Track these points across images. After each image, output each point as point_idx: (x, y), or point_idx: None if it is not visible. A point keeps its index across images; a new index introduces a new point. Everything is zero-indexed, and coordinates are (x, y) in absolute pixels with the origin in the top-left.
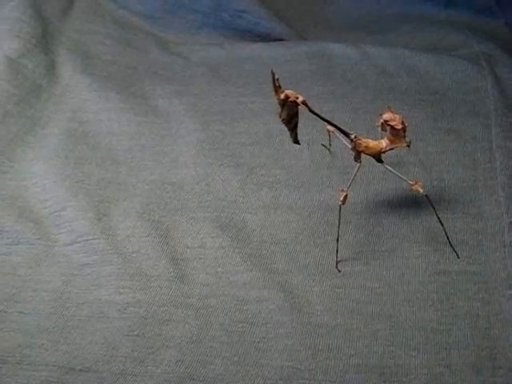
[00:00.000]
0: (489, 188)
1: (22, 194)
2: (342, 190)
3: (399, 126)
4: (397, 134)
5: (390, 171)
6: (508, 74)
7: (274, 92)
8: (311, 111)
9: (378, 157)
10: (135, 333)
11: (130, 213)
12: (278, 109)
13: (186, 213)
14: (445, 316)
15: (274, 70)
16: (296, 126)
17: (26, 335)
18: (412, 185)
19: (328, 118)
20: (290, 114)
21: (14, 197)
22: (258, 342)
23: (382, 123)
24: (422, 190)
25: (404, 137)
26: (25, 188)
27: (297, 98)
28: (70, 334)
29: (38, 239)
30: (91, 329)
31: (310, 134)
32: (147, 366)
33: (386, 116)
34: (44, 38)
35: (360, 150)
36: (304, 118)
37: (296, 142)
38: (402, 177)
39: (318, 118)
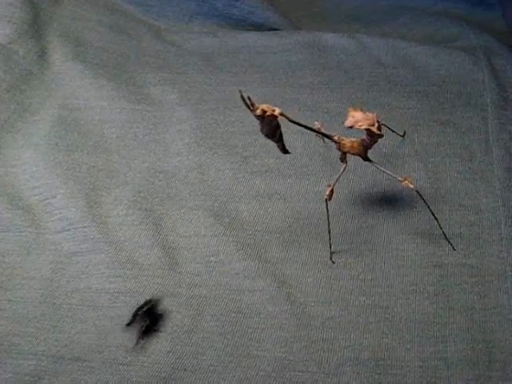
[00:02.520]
0: (485, 180)
1: (12, 181)
2: (329, 185)
3: (375, 130)
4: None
5: (378, 168)
6: (505, 66)
7: (249, 111)
8: (291, 121)
9: (364, 156)
10: (125, 321)
11: (122, 201)
12: (258, 125)
13: (178, 201)
14: (441, 309)
15: (241, 92)
16: (281, 136)
17: (14, 323)
18: (401, 181)
19: (309, 125)
20: (272, 128)
21: (4, 184)
22: (251, 333)
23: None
24: (412, 186)
25: (381, 135)
26: (14, 175)
27: (273, 111)
28: (59, 323)
29: (28, 227)
30: (81, 317)
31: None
32: (138, 355)
33: (357, 116)
34: (36, 24)
35: (345, 150)
36: (298, 110)
37: (285, 151)
38: (391, 173)
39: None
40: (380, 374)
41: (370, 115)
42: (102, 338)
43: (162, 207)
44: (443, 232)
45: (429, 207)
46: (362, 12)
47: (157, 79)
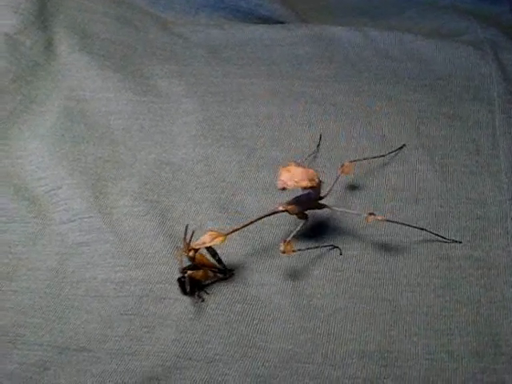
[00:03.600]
0: (492, 174)
1: (18, 172)
2: (284, 241)
3: (314, 183)
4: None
5: (337, 210)
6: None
7: (182, 250)
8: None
9: (317, 207)
10: (131, 311)
11: (127, 192)
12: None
13: (184, 193)
14: (447, 301)
15: (186, 227)
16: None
17: (20, 314)
18: (366, 217)
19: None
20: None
21: (10, 175)
22: (257, 324)
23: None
24: (380, 218)
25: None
26: (20, 166)
27: (204, 243)
28: (65, 314)
29: (34, 217)
30: (87, 308)
31: (311, 117)
32: (143, 345)
33: (291, 175)
34: (42, 15)
35: (296, 213)
36: (305, 103)
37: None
38: (353, 211)
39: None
40: (386, 366)
41: (300, 171)
42: (107, 328)
43: (168, 199)
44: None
45: (405, 224)
46: (369, 6)
47: (163, 71)
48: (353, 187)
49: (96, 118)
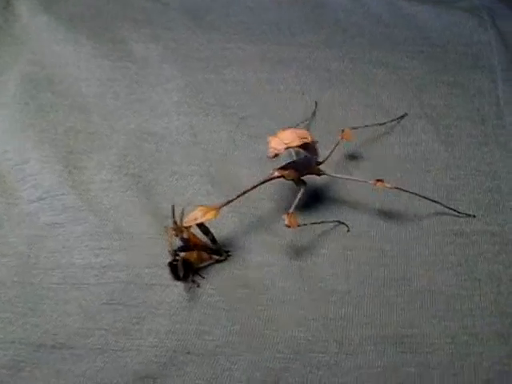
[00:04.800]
0: (500, 145)
1: None
2: (287, 214)
3: (307, 140)
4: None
5: (341, 178)
6: (510, 27)
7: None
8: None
9: (315, 172)
10: (116, 300)
11: (105, 165)
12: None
13: (170, 166)
14: (465, 280)
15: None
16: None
17: None
18: (374, 184)
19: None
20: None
21: None
22: (262, 311)
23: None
24: (389, 185)
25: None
26: None
27: (195, 219)
28: (39, 306)
29: None
30: (64, 298)
31: (304, 84)
32: (133, 338)
33: (282, 138)
34: None
35: (291, 178)
36: (297, 69)
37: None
38: (359, 179)
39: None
40: (406, 352)
41: (288, 132)
42: (89, 321)
43: (152, 173)
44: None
45: (417, 194)
46: None
47: (140, 36)
48: (353, 157)
49: (65, 85)
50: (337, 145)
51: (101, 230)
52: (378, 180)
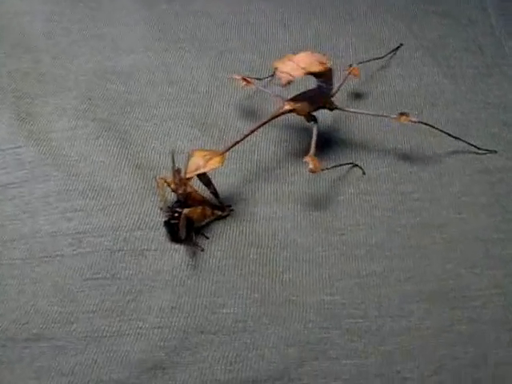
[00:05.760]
0: (506, 76)
1: None
2: (309, 157)
3: (327, 66)
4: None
5: (362, 113)
6: None
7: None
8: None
9: (329, 106)
10: (102, 274)
11: (66, 110)
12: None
13: (145, 109)
14: (500, 222)
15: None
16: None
17: None
18: (397, 118)
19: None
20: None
21: None
22: (282, 272)
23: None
24: (414, 119)
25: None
26: None
27: (197, 169)
28: (0, 288)
29: None
30: (32, 276)
31: (286, 13)
32: (129, 320)
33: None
34: None
35: (303, 113)
36: (276, 1)
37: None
38: (382, 114)
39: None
40: (453, 308)
41: (304, 55)
42: (69, 303)
43: (124, 117)
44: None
45: (442, 131)
46: None
47: None
48: (356, 95)
49: (4, 22)
50: (344, 81)
51: (70, 187)
52: (402, 114)
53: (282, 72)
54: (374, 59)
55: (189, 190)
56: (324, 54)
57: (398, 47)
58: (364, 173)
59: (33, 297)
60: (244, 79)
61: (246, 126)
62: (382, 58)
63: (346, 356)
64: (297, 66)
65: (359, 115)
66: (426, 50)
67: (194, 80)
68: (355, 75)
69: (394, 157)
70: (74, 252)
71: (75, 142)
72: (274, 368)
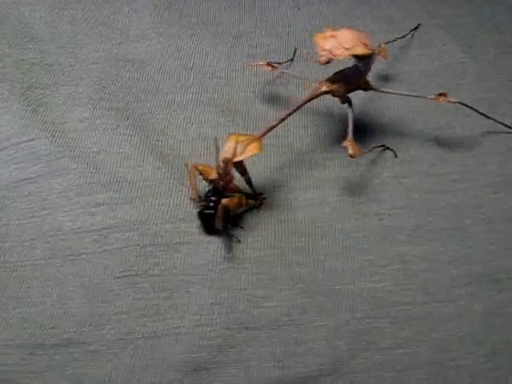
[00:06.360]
0: None
1: None
2: (347, 141)
3: (371, 49)
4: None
5: (394, 93)
6: None
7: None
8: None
9: (364, 86)
10: (132, 271)
11: (80, 99)
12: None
13: (162, 96)
14: None
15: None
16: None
17: None
18: (435, 99)
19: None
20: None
21: None
22: (324, 261)
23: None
24: (454, 99)
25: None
26: None
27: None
28: (22, 292)
29: None
30: (57, 277)
31: None
32: (166, 319)
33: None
34: None
35: (339, 94)
36: None
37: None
38: (420, 95)
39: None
40: (502, 291)
41: (348, 34)
42: (99, 304)
43: (142, 105)
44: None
45: (481, 113)
46: None
47: None
48: (380, 76)
49: (3, 11)
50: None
51: (91, 180)
52: (441, 94)
53: (324, 49)
54: (397, 39)
55: (230, 177)
56: (365, 32)
57: (417, 27)
58: (396, 155)
59: (59, 299)
60: (269, 64)
61: (269, 111)
62: (404, 37)
63: (398, 345)
64: (339, 45)
65: (385, 96)
66: (445, 30)
67: (211, 66)
68: (384, 56)
69: (425, 138)
70: (101, 249)
71: (93, 133)
72: (325, 362)
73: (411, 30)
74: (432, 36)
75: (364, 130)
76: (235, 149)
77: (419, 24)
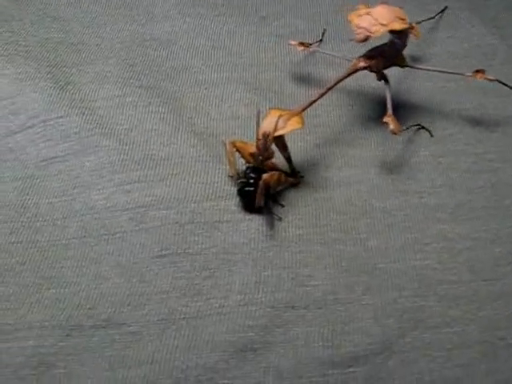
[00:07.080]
0: None
1: None
2: (388, 116)
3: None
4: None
5: (434, 70)
6: None
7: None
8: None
9: (399, 62)
10: (172, 250)
11: (108, 78)
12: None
13: (191, 74)
14: None
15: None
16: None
17: None
18: (472, 76)
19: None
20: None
21: None
22: (365, 239)
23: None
24: (491, 77)
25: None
26: None
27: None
28: (56, 271)
29: None
30: (91, 256)
31: None
32: (208, 299)
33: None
34: None
35: (377, 70)
36: None
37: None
38: (456, 72)
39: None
40: None
41: (384, 9)
42: (137, 284)
43: (172, 83)
44: None
45: None
46: None
47: None
48: (411, 58)
49: None
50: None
51: (125, 157)
52: (478, 71)
53: (360, 27)
54: (427, 19)
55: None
56: (401, 8)
57: (444, 9)
58: (432, 135)
59: (95, 279)
60: (301, 44)
61: (301, 90)
62: (431, 19)
63: (446, 324)
64: (375, 22)
65: (416, 77)
66: (472, 12)
67: (239, 45)
68: (416, 36)
69: (459, 118)
70: (137, 228)
71: (124, 110)
72: (374, 341)
73: (438, 13)
74: (459, 18)
75: (397, 110)
76: (276, 123)
77: (446, 6)
